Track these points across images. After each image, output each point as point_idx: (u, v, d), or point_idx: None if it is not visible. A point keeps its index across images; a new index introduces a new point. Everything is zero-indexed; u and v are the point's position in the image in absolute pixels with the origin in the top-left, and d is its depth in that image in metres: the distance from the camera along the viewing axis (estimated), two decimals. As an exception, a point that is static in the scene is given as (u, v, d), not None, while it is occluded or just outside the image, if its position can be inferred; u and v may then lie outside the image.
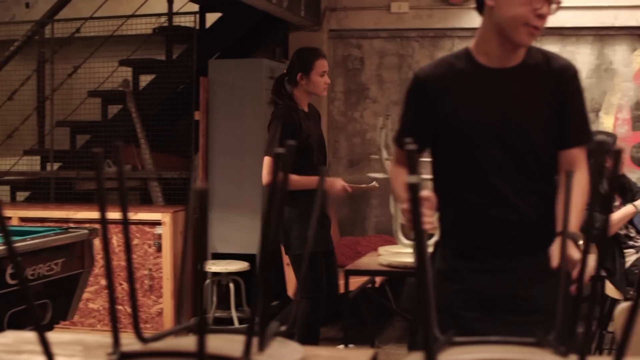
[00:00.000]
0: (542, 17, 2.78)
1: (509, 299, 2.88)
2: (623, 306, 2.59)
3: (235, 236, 6.74)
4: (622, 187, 5.81)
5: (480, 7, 2.92)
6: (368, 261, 5.02)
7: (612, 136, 5.81)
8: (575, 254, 2.73)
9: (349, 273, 4.88)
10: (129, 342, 1.69)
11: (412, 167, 1.39)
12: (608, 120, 7.58)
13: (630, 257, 5.65)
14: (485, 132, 2.90)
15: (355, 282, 6.09)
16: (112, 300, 1.63)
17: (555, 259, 2.71)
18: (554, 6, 2.81)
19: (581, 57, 7.60)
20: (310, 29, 7.78)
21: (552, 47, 7.52)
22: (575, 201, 2.84)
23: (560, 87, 2.92)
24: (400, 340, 6.58)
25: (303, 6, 7.28)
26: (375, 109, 7.85)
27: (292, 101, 5.26)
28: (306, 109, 5.33)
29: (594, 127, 7.31)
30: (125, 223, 1.64)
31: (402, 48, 7.84)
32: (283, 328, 1.78)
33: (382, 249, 5.13)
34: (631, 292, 5.49)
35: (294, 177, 4.97)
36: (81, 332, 6.15)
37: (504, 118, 2.88)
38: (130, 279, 1.69)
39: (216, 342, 1.63)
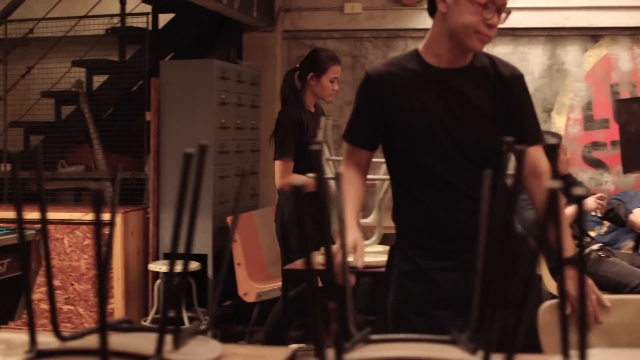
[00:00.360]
0: (492, 26, 2.88)
1: None
2: (547, 304, 2.62)
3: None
4: (567, 187, 5.87)
5: (433, 11, 3.02)
6: (304, 261, 5.02)
7: (558, 136, 5.87)
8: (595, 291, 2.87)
9: (285, 273, 4.85)
10: (49, 340, 1.69)
11: (316, 168, 1.40)
12: (560, 121, 7.65)
13: (576, 256, 5.71)
14: (437, 130, 2.96)
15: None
16: (28, 298, 1.64)
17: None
18: (503, 15, 2.92)
19: (533, 57, 7.67)
20: (264, 29, 7.79)
21: (504, 47, 7.61)
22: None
23: (507, 90, 3.01)
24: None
25: (255, 7, 7.29)
26: (329, 109, 7.83)
27: (301, 99, 5.26)
28: (312, 109, 5.33)
29: (545, 128, 7.40)
30: (43, 222, 1.64)
31: (355, 48, 7.87)
32: (203, 326, 1.79)
33: (319, 249, 5.15)
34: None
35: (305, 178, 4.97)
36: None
37: (454, 116, 2.95)
38: (49, 278, 1.69)
39: (131, 340, 1.64)
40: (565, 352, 1.41)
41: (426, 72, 2.99)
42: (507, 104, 3.00)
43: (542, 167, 3.00)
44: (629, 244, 6.42)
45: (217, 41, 7.99)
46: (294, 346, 5.53)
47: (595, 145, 7.62)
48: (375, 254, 4.49)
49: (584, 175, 7.58)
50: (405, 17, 7.71)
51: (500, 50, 7.60)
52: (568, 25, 7.58)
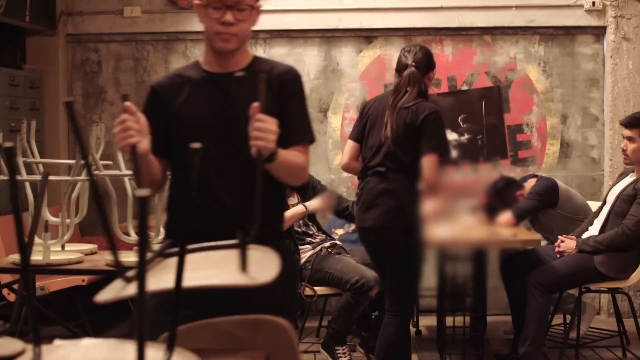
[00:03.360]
0: (228, 24, 3.01)
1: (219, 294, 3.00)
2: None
3: None
4: (302, 186, 6.01)
5: None
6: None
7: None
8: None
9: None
10: None
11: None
12: (336, 120, 7.80)
13: (306, 254, 5.86)
14: (204, 130, 3.08)
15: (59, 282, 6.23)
16: None
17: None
18: (247, 12, 3.04)
19: (309, 58, 7.81)
20: (46, 33, 7.83)
21: (280, 49, 7.75)
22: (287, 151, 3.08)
23: (280, 90, 3.15)
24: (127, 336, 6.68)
25: (29, 11, 7.31)
26: (113, 112, 7.94)
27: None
28: None
29: (322, 127, 7.57)
30: None
31: (137, 51, 7.94)
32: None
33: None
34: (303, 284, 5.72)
35: None
36: None
37: (223, 117, 3.09)
38: None
39: None
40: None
41: (201, 78, 3.17)
42: (281, 103, 3.14)
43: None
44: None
45: (3, 45, 7.99)
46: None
47: (371, 143, 7.79)
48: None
49: (360, 173, 7.76)
50: (183, 20, 7.80)
51: (276, 51, 7.74)
52: (341, 26, 7.75)
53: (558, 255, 5.99)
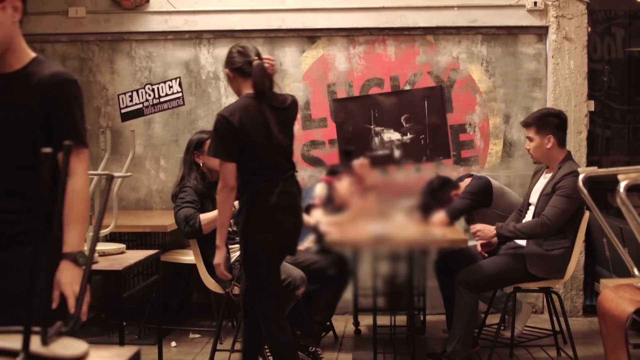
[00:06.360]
0: None
1: None
2: None
3: None
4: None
5: None
6: None
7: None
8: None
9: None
10: None
11: None
12: (279, 120, 7.82)
13: (236, 253, 5.86)
14: None
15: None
16: None
17: None
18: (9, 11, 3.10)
19: (252, 59, 7.83)
20: (-9, 34, 7.83)
21: (224, 49, 7.61)
22: (74, 216, 3.09)
23: (43, 94, 3.12)
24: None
25: (-30, 11, 7.30)
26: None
27: None
28: None
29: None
30: None
31: (82, 52, 7.95)
32: None
33: None
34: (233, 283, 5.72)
35: None
36: None
37: None
38: None
39: None
40: None
41: None
42: (48, 106, 3.12)
43: (71, 169, 3.14)
44: (311, 237, 6.53)
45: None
46: None
47: (314, 144, 7.82)
48: None
49: (304, 173, 7.76)
50: (128, 20, 7.81)
51: (220, 51, 7.75)
52: (284, 26, 7.77)
53: (478, 244, 6.05)
